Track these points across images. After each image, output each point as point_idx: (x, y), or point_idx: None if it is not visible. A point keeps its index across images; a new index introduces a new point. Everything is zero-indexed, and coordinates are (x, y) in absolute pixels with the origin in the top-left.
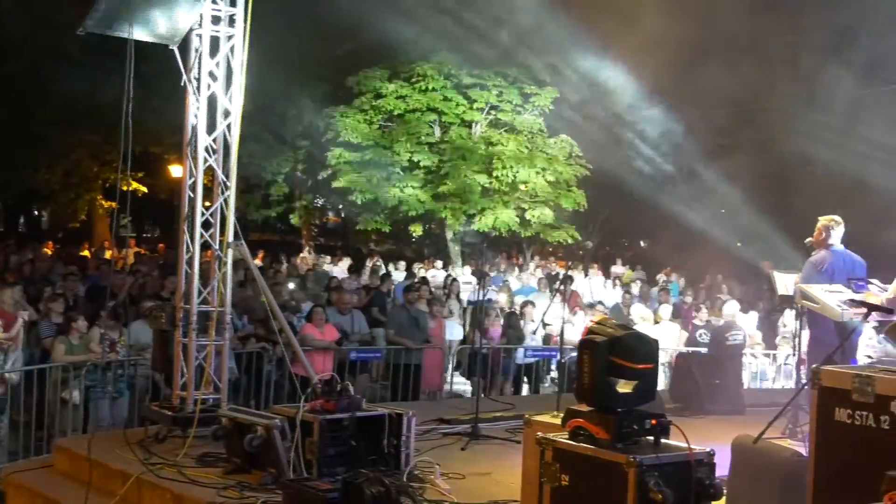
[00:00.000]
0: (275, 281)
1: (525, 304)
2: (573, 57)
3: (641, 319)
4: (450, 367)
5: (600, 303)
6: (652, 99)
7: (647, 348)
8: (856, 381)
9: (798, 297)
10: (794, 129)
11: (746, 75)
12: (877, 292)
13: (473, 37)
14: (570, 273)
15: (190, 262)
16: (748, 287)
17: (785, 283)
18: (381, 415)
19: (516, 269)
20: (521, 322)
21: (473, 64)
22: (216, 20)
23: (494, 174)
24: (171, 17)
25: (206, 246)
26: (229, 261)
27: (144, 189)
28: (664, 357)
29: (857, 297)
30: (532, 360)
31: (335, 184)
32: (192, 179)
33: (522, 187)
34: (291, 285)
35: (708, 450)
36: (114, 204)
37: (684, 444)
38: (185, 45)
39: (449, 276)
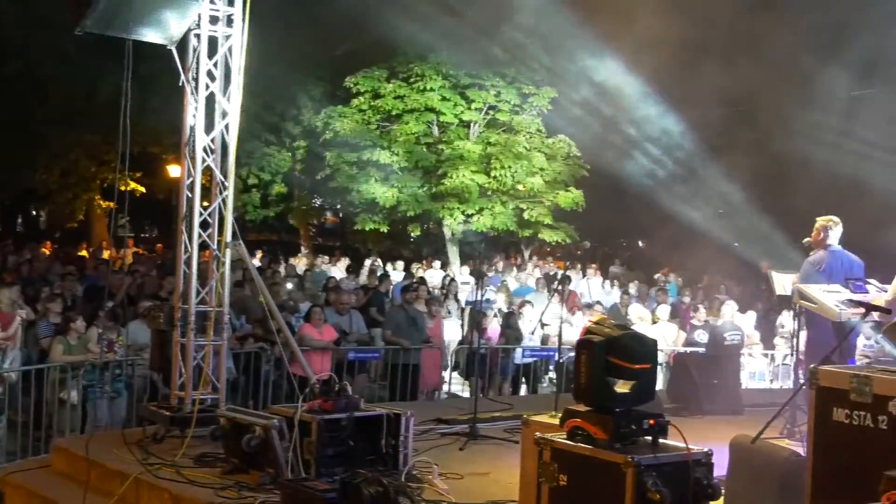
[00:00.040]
0: (273, 281)
1: (523, 303)
2: (570, 55)
3: (639, 319)
4: (448, 367)
5: (598, 303)
6: (649, 98)
7: (644, 348)
8: (854, 381)
9: (796, 297)
10: (792, 128)
11: (744, 74)
12: (875, 292)
13: (472, 36)
14: (567, 273)
15: (188, 262)
16: (746, 287)
17: (783, 283)
18: (379, 415)
19: (514, 269)
20: (520, 322)
21: (472, 64)
22: (214, 20)
23: (493, 174)
24: (169, 17)
25: (204, 246)
26: (227, 261)
27: (142, 189)
28: (662, 357)
29: (857, 297)
30: (530, 360)
31: (333, 184)
32: (191, 179)
33: (520, 187)
34: (289, 285)
35: (706, 450)
36: (112, 204)
37: (682, 444)
38: (183, 45)
39: (447, 276)
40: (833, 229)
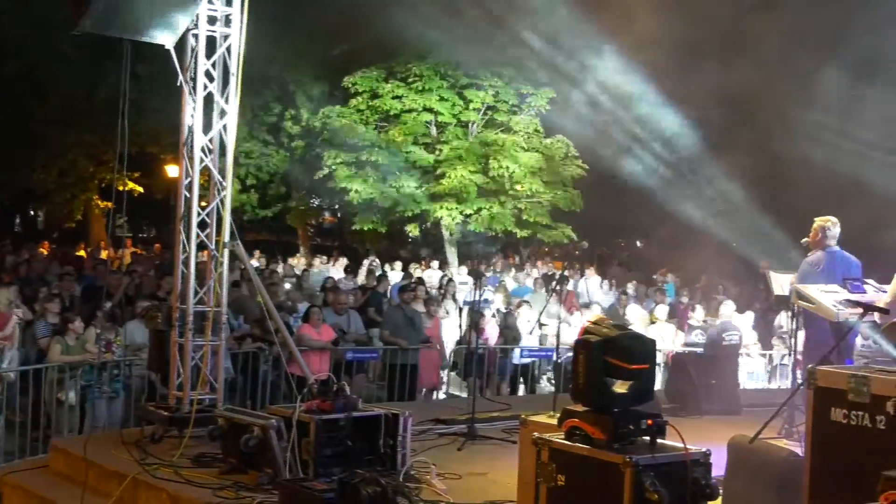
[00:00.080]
0: (271, 281)
1: (521, 304)
2: (569, 54)
3: (637, 320)
4: (446, 367)
5: (594, 303)
6: (648, 98)
7: (642, 348)
8: (851, 381)
9: (794, 297)
10: (791, 128)
11: (743, 74)
12: (873, 292)
13: (470, 36)
14: (565, 273)
15: (186, 262)
16: (744, 287)
17: (781, 283)
18: (377, 415)
19: (512, 269)
20: (518, 322)
21: (470, 64)
22: (212, 20)
23: (490, 173)
24: (167, 18)
25: (202, 246)
26: (225, 261)
27: (140, 189)
28: (660, 357)
29: (855, 297)
30: (528, 360)
31: (331, 184)
32: (189, 179)
33: (518, 187)
34: (287, 285)
35: (704, 450)
36: (110, 204)
37: (680, 445)
38: (181, 45)
39: (444, 276)
40: (831, 230)
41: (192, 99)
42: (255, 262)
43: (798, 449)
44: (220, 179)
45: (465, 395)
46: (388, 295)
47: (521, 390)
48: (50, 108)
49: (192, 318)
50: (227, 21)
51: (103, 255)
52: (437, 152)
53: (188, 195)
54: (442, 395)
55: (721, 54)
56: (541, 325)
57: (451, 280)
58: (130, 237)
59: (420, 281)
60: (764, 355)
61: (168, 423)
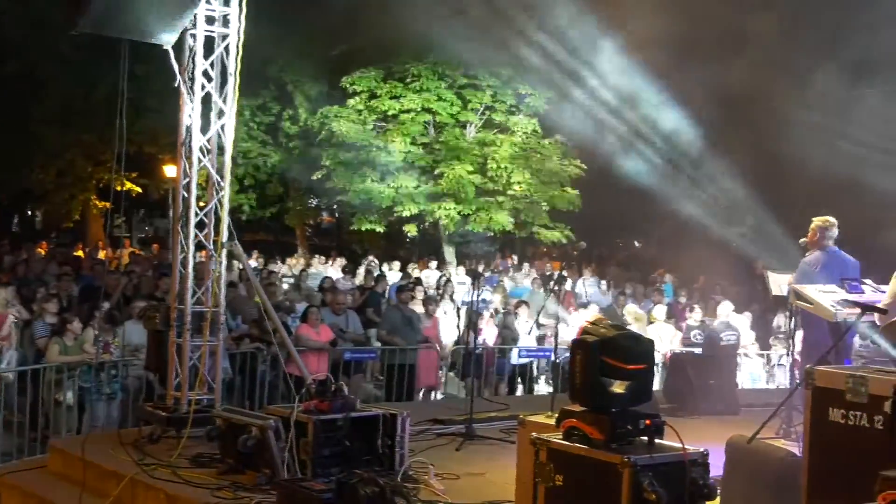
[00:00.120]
0: (269, 281)
1: (519, 304)
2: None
3: (635, 320)
4: (444, 367)
5: (591, 303)
6: (646, 97)
7: (640, 349)
8: (849, 381)
9: (792, 297)
10: (789, 128)
11: (740, 73)
12: (871, 292)
13: (468, 35)
14: (564, 273)
15: (184, 263)
16: (742, 287)
17: (779, 283)
18: (375, 415)
19: (511, 269)
20: (516, 322)
21: (468, 64)
22: (210, 20)
23: (489, 174)
24: (165, 18)
25: (200, 246)
26: (223, 261)
27: (139, 189)
28: (658, 357)
29: (853, 297)
30: (526, 360)
31: (329, 184)
32: (187, 180)
33: (516, 187)
34: (286, 286)
35: (702, 450)
36: (108, 204)
37: (678, 445)
38: (179, 45)
39: (442, 276)
40: (829, 230)
41: (190, 99)
42: (253, 263)
43: (796, 449)
44: (218, 179)
45: (463, 395)
46: (387, 295)
47: (519, 390)
48: (48, 108)
49: (190, 318)
50: (226, 21)
51: (101, 255)
52: (436, 152)
53: (186, 195)
54: (440, 396)
55: (720, 53)
56: (539, 326)
57: (448, 280)
58: (129, 237)
59: (418, 281)
60: (762, 355)
61: (166, 424)
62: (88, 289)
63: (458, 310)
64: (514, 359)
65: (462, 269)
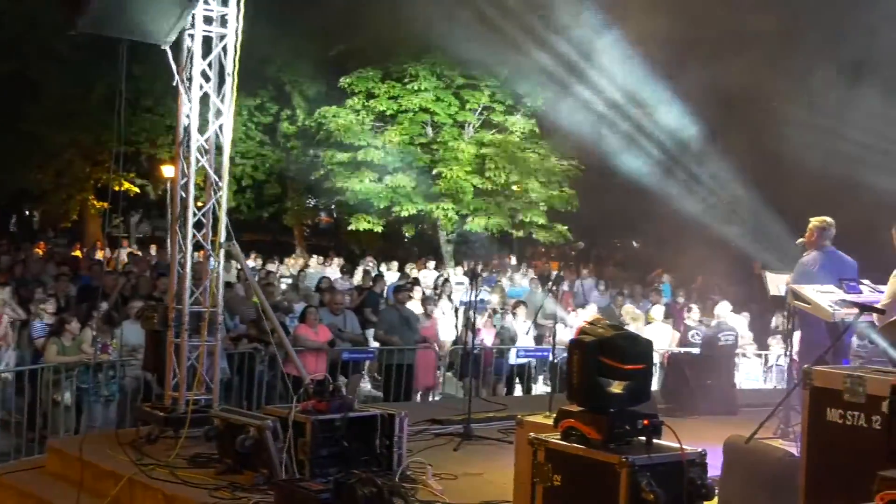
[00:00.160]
0: (267, 281)
1: (517, 304)
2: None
3: (632, 320)
4: (442, 367)
5: (591, 303)
6: (643, 97)
7: (637, 349)
8: (847, 381)
9: (790, 297)
10: (787, 128)
11: (738, 72)
12: (868, 293)
13: (466, 35)
14: (561, 273)
15: (182, 263)
16: (740, 287)
17: (776, 283)
18: (373, 415)
19: (509, 269)
20: (514, 322)
21: (466, 65)
22: (208, 20)
23: (487, 174)
24: (163, 18)
25: (198, 246)
26: (221, 261)
27: (136, 189)
28: (656, 357)
29: (850, 297)
30: (524, 360)
31: (327, 184)
32: (185, 180)
33: (515, 188)
34: (284, 286)
35: (700, 450)
36: (105, 204)
37: (676, 445)
38: (177, 45)
39: (439, 276)
40: (827, 230)
41: (188, 99)
42: (251, 263)
43: (794, 449)
44: (216, 180)
45: (460, 395)
46: (385, 295)
47: (518, 390)
48: (45, 108)
49: (188, 318)
50: (223, 21)
51: (99, 255)
52: (434, 153)
53: (184, 195)
54: (438, 396)
55: (718, 52)
56: (537, 326)
57: (446, 280)
58: (126, 237)
59: (416, 281)
60: (760, 355)
61: (164, 424)
62: (86, 289)
63: (456, 310)
64: (513, 359)
65: (460, 269)
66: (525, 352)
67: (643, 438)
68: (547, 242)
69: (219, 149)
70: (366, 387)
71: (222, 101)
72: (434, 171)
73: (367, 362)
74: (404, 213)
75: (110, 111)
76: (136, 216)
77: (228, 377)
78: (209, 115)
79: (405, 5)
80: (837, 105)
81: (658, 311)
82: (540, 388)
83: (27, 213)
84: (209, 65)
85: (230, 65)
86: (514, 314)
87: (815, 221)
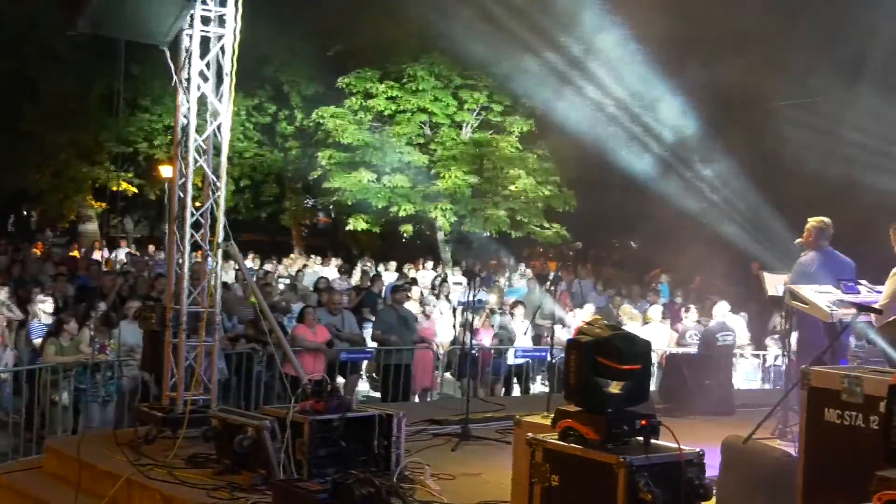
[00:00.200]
0: (265, 282)
1: (515, 304)
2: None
3: (630, 320)
4: (440, 367)
5: (589, 304)
6: (641, 96)
7: (635, 349)
8: (845, 381)
9: (787, 297)
10: (785, 128)
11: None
12: (866, 293)
13: (464, 35)
14: (559, 273)
15: (180, 263)
16: (738, 288)
17: (774, 283)
18: (371, 415)
19: (507, 269)
20: (512, 323)
21: (465, 65)
22: (206, 21)
23: (485, 174)
24: (161, 18)
25: (196, 246)
26: (219, 261)
27: (134, 189)
28: (654, 357)
29: (848, 297)
30: (522, 360)
31: (326, 184)
32: (183, 180)
33: (513, 188)
34: (282, 286)
35: (698, 450)
36: (103, 204)
37: (674, 445)
38: (175, 45)
39: (437, 276)
40: (824, 230)
41: (185, 99)
42: (249, 263)
43: (792, 449)
44: (214, 180)
45: (459, 395)
46: (383, 295)
47: (516, 390)
48: (44, 108)
49: (186, 318)
50: (221, 21)
51: (97, 255)
52: (432, 153)
53: (182, 195)
54: (436, 396)
55: (717, 51)
56: (535, 326)
57: (444, 280)
58: (124, 237)
59: (414, 281)
60: (758, 356)
61: (162, 424)
62: (84, 289)
63: (454, 310)
64: (511, 359)
65: (458, 270)
66: (523, 352)
67: (641, 438)
68: (542, 239)
69: (217, 149)
70: (363, 387)
71: (220, 101)
72: (432, 172)
73: (364, 362)
74: (402, 214)
75: (109, 111)
76: (134, 215)
77: (226, 377)
78: (207, 116)
79: (403, 5)
80: (835, 105)
81: (656, 311)
82: (538, 388)
83: (25, 213)
84: (207, 65)
85: (228, 65)
86: (511, 314)
87: (812, 222)
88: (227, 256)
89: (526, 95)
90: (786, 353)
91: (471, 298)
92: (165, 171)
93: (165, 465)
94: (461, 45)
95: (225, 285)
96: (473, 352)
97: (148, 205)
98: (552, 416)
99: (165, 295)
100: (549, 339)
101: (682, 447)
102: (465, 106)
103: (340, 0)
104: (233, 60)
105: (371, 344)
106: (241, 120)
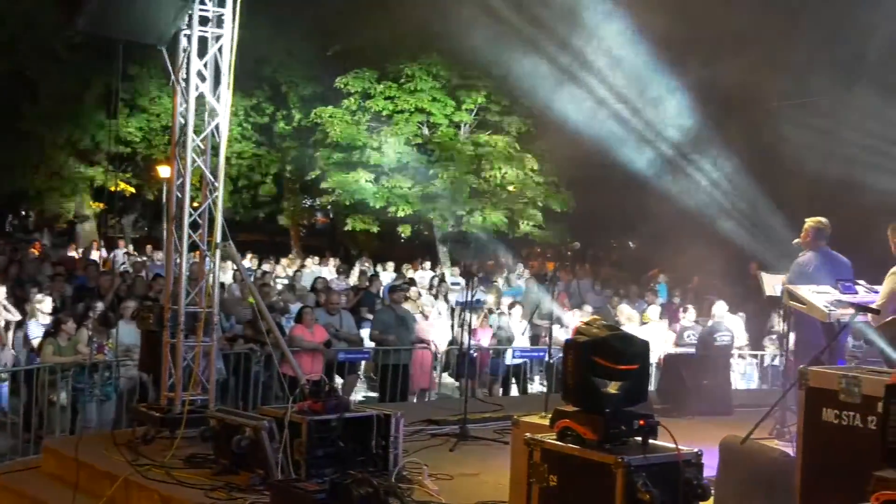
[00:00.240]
0: (263, 282)
1: (513, 304)
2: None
3: (628, 320)
4: (438, 367)
5: (586, 304)
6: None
7: (631, 349)
8: (843, 381)
9: (785, 297)
10: (784, 128)
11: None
12: (864, 293)
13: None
14: (557, 273)
15: (178, 263)
16: (737, 288)
17: (772, 283)
18: (369, 416)
19: (505, 269)
20: (510, 323)
21: (463, 65)
22: (204, 21)
23: (483, 174)
24: (159, 18)
25: (193, 246)
26: (217, 262)
27: (132, 189)
28: (652, 358)
29: (846, 297)
30: (520, 360)
31: (324, 184)
32: (181, 180)
33: (511, 188)
34: (280, 286)
35: (696, 450)
36: (101, 204)
37: (672, 445)
38: (173, 45)
39: (435, 276)
40: (822, 230)
41: (183, 99)
42: (247, 263)
43: (789, 449)
44: (212, 180)
45: (456, 395)
46: (381, 295)
47: (514, 390)
48: (42, 108)
49: (184, 318)
50: (220, 22)
51: (95, 255)
52: (430, 153)
53: (180, 196)
54: (434, 396)
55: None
56: (533, 326)
57: (442, 280)
58: (122, 237)
59: (412, 281)
60: (755, 356)
61: (160, 424)
62: (82, 289)
63: (452, 310)
64: (509, 359)
65: (456, 270)
66: (521, 352)
67: (639, 439)
68: (540, 239)
69: (215, 149)
70: (359, 395)
71: (218, 101)
72: (430, 172)
73: (363, 363)
74: (400, 214)
75: (107, 111)
76: (132, 215)
77: (224, 378)
78: (205, 116)
79: (401, 6)
80: (834, 105)
81: (654, 311)
82: (536, 388)
83: (23, 213)
84: (205, 65)
85: (226, 65)
86: (509, 314)
87: (810, 222)
88: (225, 256)
89: (524, 95)
90: (784, 353)
91: (469, 299)
92: (163, 171)
93: (163, 465)
94: (459, 45)
95: (222, 285)
96: (471, 352)
97: (146, 205)
98: (550, 416)
99: (163, 295)
100: (547, 339)
101: (680, 447)
102: (464, 106)
103: (339, 0)
104: (231, 61)
105: (369, 344)
106: (239, 120)
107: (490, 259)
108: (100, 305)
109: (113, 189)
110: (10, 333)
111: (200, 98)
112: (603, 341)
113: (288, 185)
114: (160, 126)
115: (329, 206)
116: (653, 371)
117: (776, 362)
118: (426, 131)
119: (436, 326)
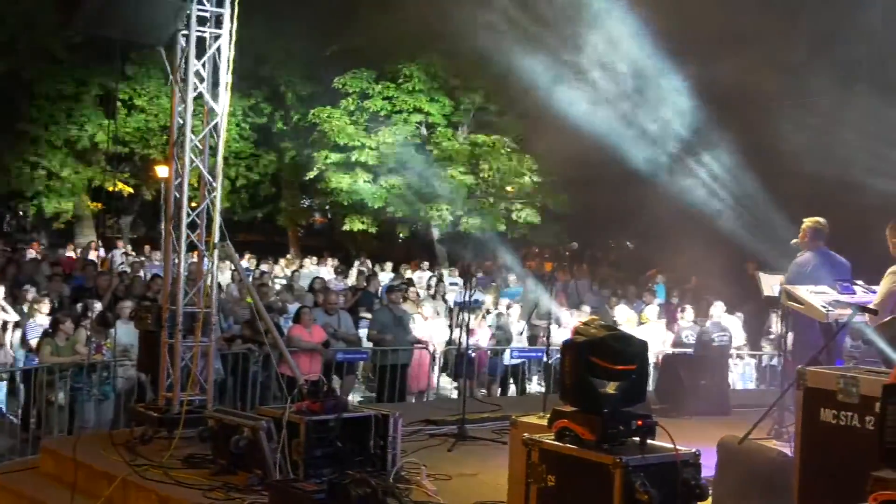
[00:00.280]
0: (261, 282)
1: (512, 304)
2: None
3: (626, 320)
4: (436, 367)
5: (584, 304)
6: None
7: (629, 350)
8: (841, 381)
9: (783, 297)
10: (783, 128)
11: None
12: (862, 293)
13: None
14: (555, 273)
15: (176, 263)
16: (735, 288)
17: (770, 284)
18: (367, 416)
19: (503, 269)
20: (508, 323)
21: (461, 65)
22: (203, 21)
23: (481, 175)
24: (157, 18)
25: (192, 247)
26: (215, 262)
27: (130, 189)
28: (650, 358)
29: (844, 298)
30: (518, 360)
31: (322, 185)
32: (179, 180)
33: (509, 188)
34: (278, 286)
35: (694, 450)
36: (99, 205)
37: (670, 445)
38: (171, 45)
39: (433, 276)
40: (820, 230)
41: (182, 99)
42: (245, 263)
43: (787, 449)
44: (210, 180)
45: (455, 395)
46: (379, 295)
47: (512, 391)
48: (40, 108)
49: (182, 318)
50: (218, 22)
51: (93, 255)
52: (428, 153)
53: (178, 196)
54: (432, 396)
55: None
56: (531, 326)
57: (440, 280)
58: (120, 237)
59: (410, 282)
60: (754, 356)
61: (158, 424)
62: (80, 289)
63: (450, 310)
64: (507, 359)
65: (454, 270)
66: (519, 352)
67: (637, 439)
68: (528, 233)
69: (213, 149)
70: (357, 396)
71: (216, 101)
72: (428, 172)
73: (361, 363)
74: (398, 214)
75: (105, 111)
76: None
77: (222, 378)
78: (203, 116)
79: (400, 6)
80: (835, 105)
81: (652, 311)
82: (534, 388)
83: (21, 213)
84: (203, 65)
85: (224, 65)
86: (507, 314)
87: (808, 222)
88: (224, 257)
89: (521, 95)
90: (782, 354)
91: (467, 299)
92: (161, 171)
93: (161, 465)
94: (457, 45)
95: (220, 285)
96: (470, 352)
97: (144, 205)
98: (548, 416)
99: (161, 295)
100: (545, 339)
101: (678, 447)
102: (462, 106)
103: (337, 0)
104: (229, 61)
105: (367, 344)
106: (238, 120)
107: (488, 259)
108: (98, 305)
109: (111, 189)
110: (8, 333)
111: (199, 98)
112: (601, 341)
113: (286, 185)
114: (158, 126)
115: (327, 207)
116: (651, 371)
117: (774, 362)
118: (424, 131)
119: (434, 326)
